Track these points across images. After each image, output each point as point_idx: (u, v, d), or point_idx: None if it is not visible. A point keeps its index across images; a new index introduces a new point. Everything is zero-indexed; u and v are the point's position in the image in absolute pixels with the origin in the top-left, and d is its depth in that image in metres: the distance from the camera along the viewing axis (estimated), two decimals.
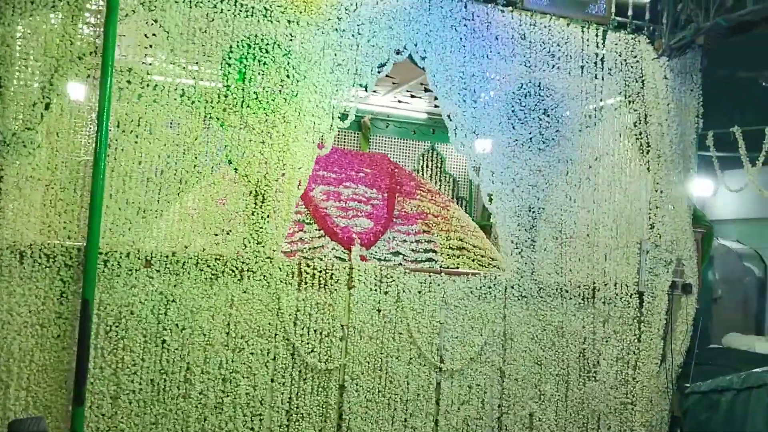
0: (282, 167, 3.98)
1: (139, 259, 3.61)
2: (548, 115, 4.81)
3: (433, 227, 5.20)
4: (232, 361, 3.79)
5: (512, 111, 4.70)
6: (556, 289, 4.70)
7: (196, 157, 3.76)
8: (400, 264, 4.63)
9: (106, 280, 3.53)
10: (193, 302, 3.72)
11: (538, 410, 4.60)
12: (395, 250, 4.89)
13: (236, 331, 3.82)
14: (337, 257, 4.50)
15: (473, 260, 5.14)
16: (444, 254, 5.07)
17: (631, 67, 5.04)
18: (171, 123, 3.73)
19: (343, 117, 4.17)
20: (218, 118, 3.85)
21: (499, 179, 4.62)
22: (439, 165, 6.96)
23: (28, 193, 3.42)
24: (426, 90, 5.88)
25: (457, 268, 4.89)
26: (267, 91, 3.96)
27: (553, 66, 4.80)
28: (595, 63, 4.94)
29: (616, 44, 5.01)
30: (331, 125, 4.14)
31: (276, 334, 3.92)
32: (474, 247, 5.24)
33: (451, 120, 4.50)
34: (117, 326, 3.57)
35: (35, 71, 3.44)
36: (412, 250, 5.00)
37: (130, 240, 3.60)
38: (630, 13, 5.09)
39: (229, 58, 3.88)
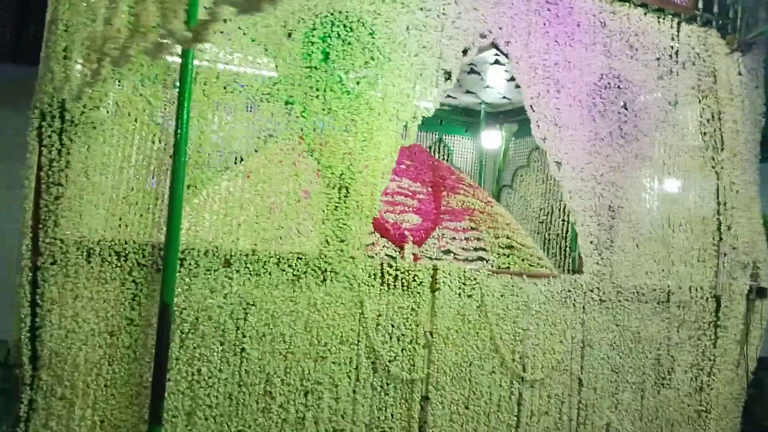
0: (365, 158, 3.62)
1: (218, 258, 3.20)
2: (627, 109, 4.57)
3: (480, 224, 4.91)
4: (315, 371, 3.43)
5: (593, 103, 4.43)
6: (634, 293, 4.48)
7: (276, 144, 3.38)
8: (455, 263, 4.33)
9: (182, 282, 3.11)
10: (274, 306, 3.34)
11: (616, 420, 4.37)
12: (446, 249, 4.58)
13: (318, 338, 3.45)
14: (387, 255, 4.17)
15: (523, 260, 4.87)
16: (494, 253, 4.80)
17: (704, 61, 4.84)
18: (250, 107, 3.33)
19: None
20: (300, 102, 3.47)
21: (580, 176, 4.35)
22: (446, 158, 6.69)
23: (98, 181, 2.97)
24: (447, 78, 5.56)
25: (509, 268, 4.62)
26: (350, 74, 3.59)
27: (632, 57, 4.56)
28: (670, 56, 4.72)
29: (689, 37, 4.80)
30: (415, 114, 3.80)
31: (359, 341, 3.56)
32: (522, 245, 4.98)
33: (534, 111, 4.20)
34: (193, 333, 3.16)
35: None
36: (463, 249, 4.70)
37: (209, 237, 3.19)
38: (700, 5, 4.90)
39: (312, 35, 3.50)
